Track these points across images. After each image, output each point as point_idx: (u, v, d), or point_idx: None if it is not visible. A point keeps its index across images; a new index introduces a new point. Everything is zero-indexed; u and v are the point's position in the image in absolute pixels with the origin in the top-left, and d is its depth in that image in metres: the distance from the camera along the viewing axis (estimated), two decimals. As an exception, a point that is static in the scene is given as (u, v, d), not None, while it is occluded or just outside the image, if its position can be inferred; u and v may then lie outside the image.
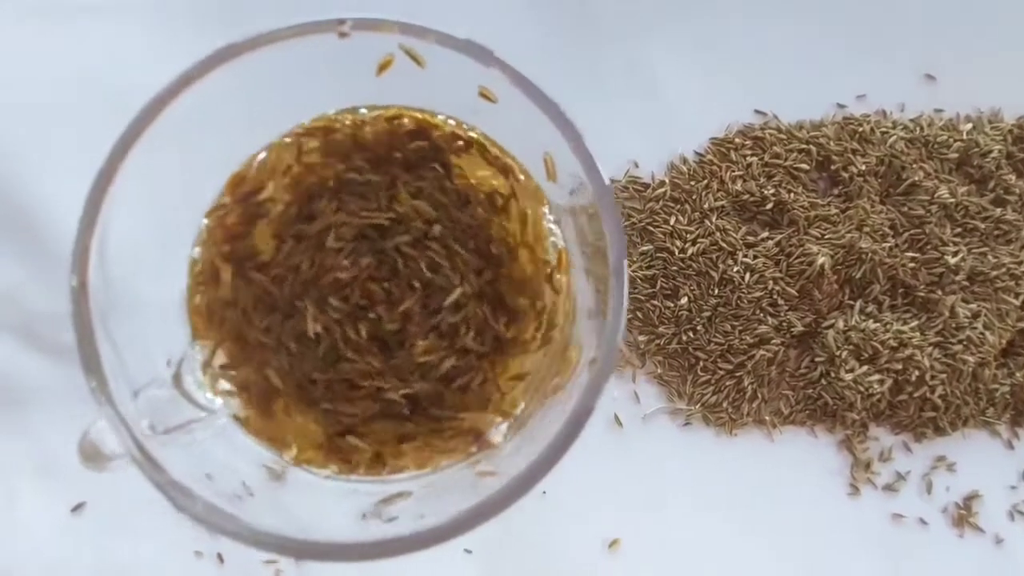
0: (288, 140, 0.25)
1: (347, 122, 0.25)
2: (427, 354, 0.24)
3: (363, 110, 0.25)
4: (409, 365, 0.25)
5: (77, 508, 0.33)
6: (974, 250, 0.37)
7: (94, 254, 0.21)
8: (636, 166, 0.38)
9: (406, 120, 0.25)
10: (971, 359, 0.36)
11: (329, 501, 0.25)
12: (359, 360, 0.25)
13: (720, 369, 0.36)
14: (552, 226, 0.26)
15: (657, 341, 0.36)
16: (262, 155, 0.25)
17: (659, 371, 0.37)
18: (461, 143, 0.25)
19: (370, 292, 0.25)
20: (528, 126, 0.21)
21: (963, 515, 0.36)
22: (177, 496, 0.20)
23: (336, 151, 0.25)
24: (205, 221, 0.25)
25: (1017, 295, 0.37)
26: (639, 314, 0.37)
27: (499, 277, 0.25)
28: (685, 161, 0.38)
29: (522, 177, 0.25)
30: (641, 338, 0.37)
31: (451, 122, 0.25)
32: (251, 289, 0.25)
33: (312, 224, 0.25)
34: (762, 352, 0.36)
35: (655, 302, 0.37)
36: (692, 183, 0.37)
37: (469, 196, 0.25)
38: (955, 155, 0.38)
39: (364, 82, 0.23)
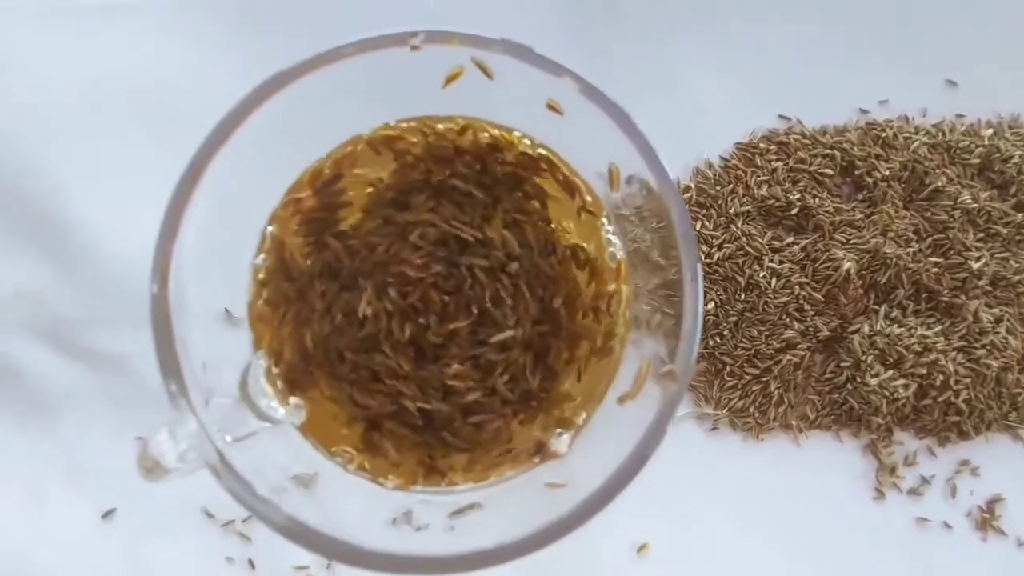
0: (381, 134, 0.25)
1: (439, 128, 0.25)
2: (456, 379, 0.24)
3: (438, 124, 0.25)
4: (435, 382, 0.24)
5: (108, 514, 0.33)
6: (996, 255, 0.37)
7: (174, 262, 0.21)
8: (662, 171, 0.38)
9: (485, 135, 0.25)
10: (994, 363, 0.36)
11: (361, 505, 0.25)
12: (391, 357, 0.24)
13: (747, 374, 0.36)
14: (611, 236, 0.26)
15: (673, 325, 0.36)
16: (347, 149, 0.25)
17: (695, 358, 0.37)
18: (541, 164, 0.25)
19: (429, 298, 0.24)
20: (593, 136, 0.21)
21: (986, 519, 0.36)
22: (259, 507, 0.20)
23: (440, 155, 0.25)
24: (271, 228, 0.25)
25: (1040, 300, 0.37)
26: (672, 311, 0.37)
27: (553, 333, 0.25)
28: (710, 166, 0.38)
29: (589, 198, 0.25)
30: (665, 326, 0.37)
31: (526, 141, 0.25)
32: (322, 256, 0.25)
33: (403, 213, 0.25)
34: (788, 357, 0.36)
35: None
36: (717, 188, 0.37)
37: (556, 246, 0.25)
38: (977, 160, 0.38)
39: (428, 94, 0.22)
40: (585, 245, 0.25)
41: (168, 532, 0.32)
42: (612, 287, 0.25)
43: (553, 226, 0.25)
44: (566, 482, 0.23)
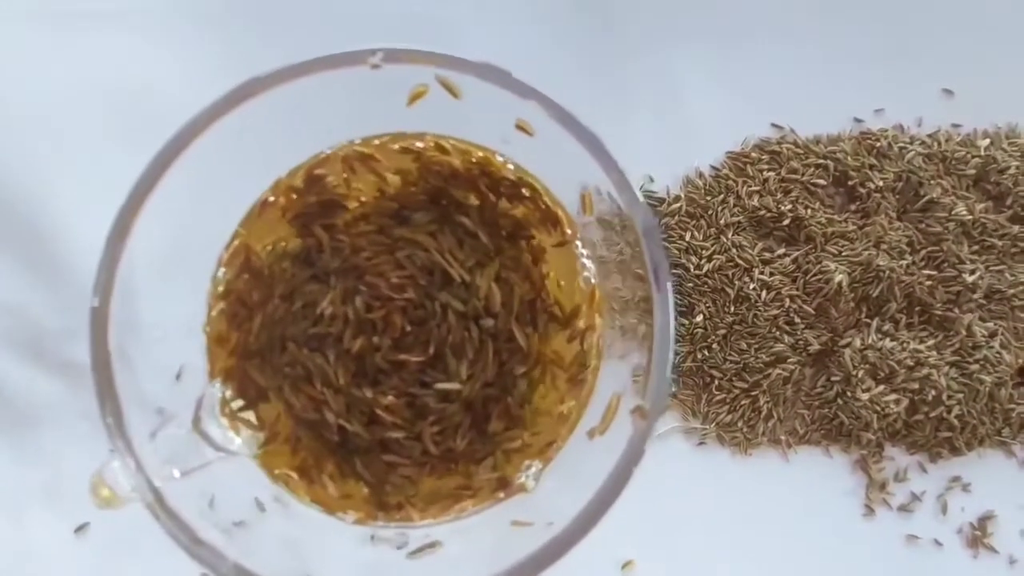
0: (356, 150, 0.24)
1: (418, 147, 0.24)
2: (386, 411, 0.23)
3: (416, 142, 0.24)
4: (364, 406, 0.23)
5: (80, 528, 0.32)
6: (991, 268, 0.36)
7: (119, 277, 0.20)
8: (651, 180, 0.37)
9: (474, 159, 0.23)
10: (988, 379, 0.35)
11: (334, 532, 0.24)
12: (331, 365, 0.23)
13: (735, 388, 0.35)
14: (585, 261, 0.24)
15: (674, 362, 0.35)
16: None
17: (673, 389, 0.35)
18: (523, 190, 0.23)
19: (392, 320, 0.23)
20: (564, 158, 0.20)
21: (978, 536, 0.35)
22: (200, 553, 0.19)
23: (437, 175, 0.24)
24: (236, 240, 0.24)
25: (1034, 314, 0.36)
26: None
27: (499, 399, 0.24)
28: (701, 175, 0.37)
29: (569, 231, 0.24)
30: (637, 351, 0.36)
31: (510, 165, 0.24)
32: (305, 242, 0.24)
33: (400, 228, 0.24)
34: (778, 371, 0.35)
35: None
36: (708, 198, 0.36)
37: (536, 318, 0.24)
38: (972, 171, 0.37)
39: (391, 112, 0.21)
40: (565, 302, 0.24)
41: (142, 548, 0.31)
42: (583, 323, 0.24)
43: (543, 297, 0.24)
44: (533, 520, 0.21)
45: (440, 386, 0.23)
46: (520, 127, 0.21)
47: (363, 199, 0.25)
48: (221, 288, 0.24)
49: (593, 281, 0.25)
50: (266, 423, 0.24)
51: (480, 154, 0.24)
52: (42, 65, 0.33)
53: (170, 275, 0.22)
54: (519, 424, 0.24)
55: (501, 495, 0.24)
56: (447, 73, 0.19)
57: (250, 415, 0.23)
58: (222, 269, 0.24)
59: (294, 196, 0.24)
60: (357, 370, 0.23)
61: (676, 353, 0.35)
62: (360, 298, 0.23)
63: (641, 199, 0.19)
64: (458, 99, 0.20)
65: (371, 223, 0.24)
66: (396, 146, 0.24)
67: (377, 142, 0.24)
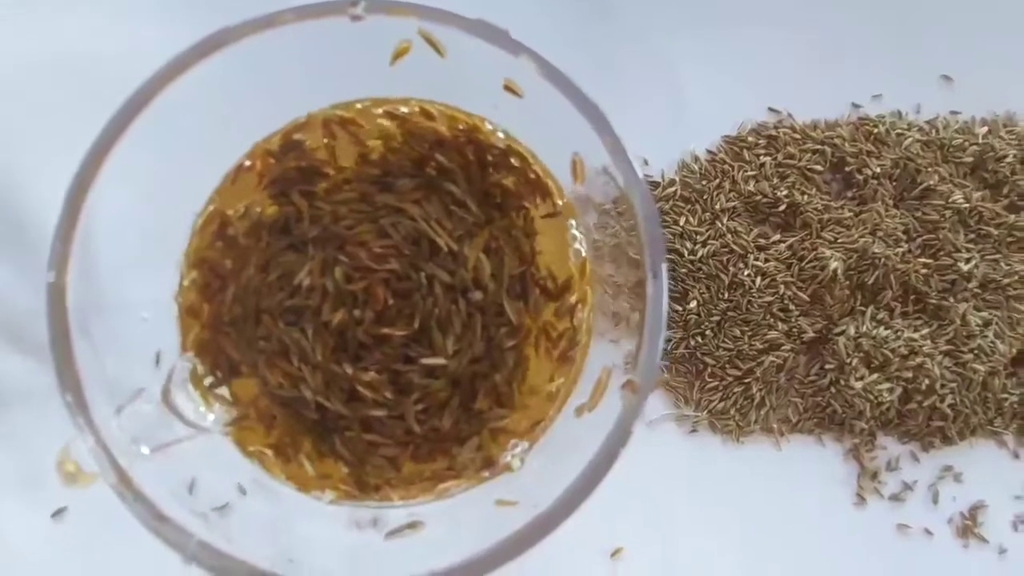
0: (337, 114, 0.22)
1: (402, 112, 0.22)
2: (368, 388, 0.21)
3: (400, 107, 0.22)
4: (344, 382, 0.22)
5: (58, 513, 0.31)
6: (987, 257, 0.35)
7: (76, 249, 0.18)
8: (646, 163, 0.35)
9: (461, 126, 0.22)
10: (981, 368, 0.34)
11: (319, 516, 0.23)
12: (308, 340, 0.21)
13: (728, 375, 0.34)
14: (576, 232, 0.23)
15: (664, 346, 0.34)
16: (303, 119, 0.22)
17: (666, 376, 0.34)
18: (511, 159, 0.22)
19: (374, 292, 0.21)
20: (555, 121, 0.18)
21: (968, 526, 0.34)
22: (168, 533, 0.18)
23: (423, 139, 0.22)
24: (211, 207, 0.22)
25: (1030, 304, 0.35)
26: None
27: (488, 375, 0.22)
28: (696, 160, 0.35)
29: (560, 202, 0.23)
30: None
31: (499, 133, 0.22)
32: (283, 210, 0.22)
33: (384, 195, 0.22)
34: (771, 358, 0.34)
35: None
36: (703, 183, 0.35)
37: (528, 291, 0.22)
38: (970, 159, 0.36)
39: (374, 73, 0.20)
40: (556, 274, 0.22)
41: (121, 532, 0.30)
42: (574, 297, 0.23)
43: (533, 269, 0.22)
44: (518, 500, 0.20)
45: (426, 361, 0.21)
46: (509, 88, 0.19)
47: (344, 165, 0.23)
48: (193, 257, 0.22)
49: (584, 254, 0.23)
50: (239, 398, 0.22)
51: (468, 120, 0.22)
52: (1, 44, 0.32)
53: (140, 247, 0.20)
54: (507, 402, 0.22)
55: (486, 475, 0.22)
56: (432, 27, 0.18)
57: (223, 390, 0.22)
58: (195, 237, 0.22)
59: (271, 161, 0.22)
60: (336, 345, 0.22)
61: (667, 340, 0.34)
62: (340, 269, 0.21)
63: (637, 168, 0.18)
64: (444, 58, 0.19)
65: (352, 190, 0.22)
66: (379, 111, 0.22)
67: (359, 106, 0.22)
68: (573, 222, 0.23)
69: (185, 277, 0.22)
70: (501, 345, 0.22)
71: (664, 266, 0.18)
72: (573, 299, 0.23)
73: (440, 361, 0.21)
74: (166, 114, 0.18)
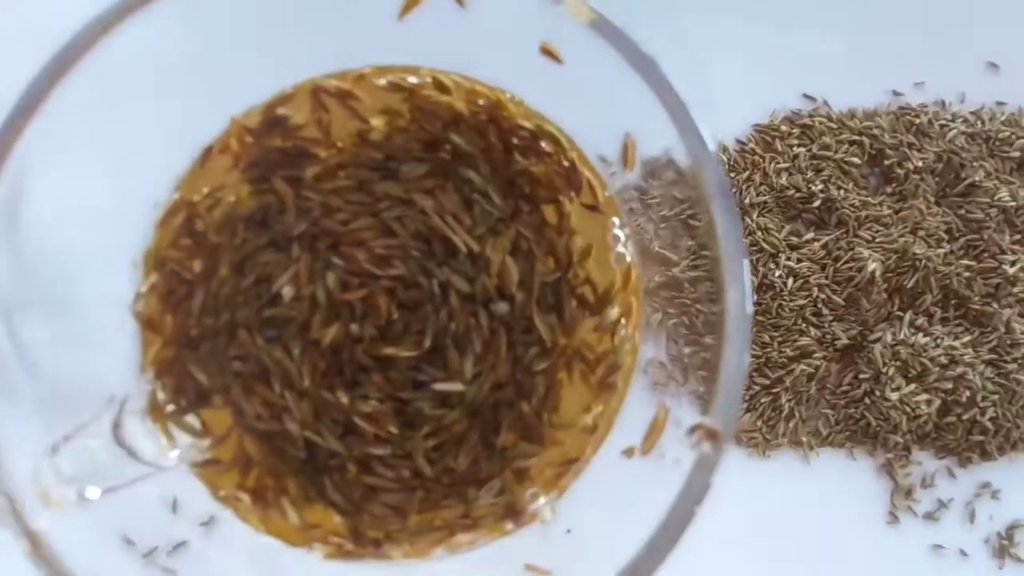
0: (333, 84, 0.18)
1: (410, 82, 0.18)
2: (368, 421, 0.18)
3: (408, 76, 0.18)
4: (338, 413, 0.18)
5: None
6: (1033, 260, 0.32)
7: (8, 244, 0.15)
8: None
9: (482, 102, 0.18)
10: (1025, 379, 0.31)
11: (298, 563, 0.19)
12: (294, 360, 0.18)
13: (755, 384, 0.31)
14: (619, 232, 0.19)
15: (704, 354, 0.31)
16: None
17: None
18: (542, 143, 0.18)
19: (375, 303, 0.18)
20: (602, 94, 0.15)
21: (1005, 546, 0.32)
22: None
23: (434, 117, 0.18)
24: (176, 195, 0.18)
25: (1078, 311, 0.32)
26: (685, 319, 0.31)
27: (523, 400, 0.18)
28: (725, 150, 0.32)
29: (603, 194, 0.19)
30: (687, 350, 0.31)
31: (528, 110, 0.18)
32: (262, 199, 0.18)
33: (387, 183, 0.18)
34: (802, 367, 0.31)
35: (700, 307, 0.31)
36: (732, 175, 0.32)
37: (563, 303, 0.18)
38: (1017, 154, 0.33)
39: (377, 31, 0.16)
40: (596, 282, 0.19)
41: (79, 562, 0.27)
42: (616, 311, 0.19)
43: (570, 277, 0.18)
44: (552, 569, 0.17)
45: (439, 387, 0.18)
46: (546, 51, 0.16)
47: (339, 146, 0.19)
48: (154, 256, 0.18)
49: (628, 259, 0.20)
50: (210, 432, 0.19)
51: (490, 94, 0.18)
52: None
53: (88, 241, 0.17)
54: (535, 437, 0.19)
55: (509, 527, 0.18)
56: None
57: (192, 418, 0.18)
58: (156, 232, 0.18)
59: (249, 140, 0.18)
60: (329, 367, 0.18)
61: (707, 346, 0.31)
62: (333, 274, 0.18)
63: (712, 147, 0.15)
64: (463, 8, 0.15)
65: (348, 176, 0.18)
66: (382, 81, 0.18)
67: (357, 75, 0.18)
68: (616, 220, 0.20)
69: (144, 281, 0.18)
70: (530, 368, 0.18)
71: (747, 275, 0.14)
72: (615, 313, 0.19)
73: (457, 387, 0.18)
74: (115, 75, 0.14)
